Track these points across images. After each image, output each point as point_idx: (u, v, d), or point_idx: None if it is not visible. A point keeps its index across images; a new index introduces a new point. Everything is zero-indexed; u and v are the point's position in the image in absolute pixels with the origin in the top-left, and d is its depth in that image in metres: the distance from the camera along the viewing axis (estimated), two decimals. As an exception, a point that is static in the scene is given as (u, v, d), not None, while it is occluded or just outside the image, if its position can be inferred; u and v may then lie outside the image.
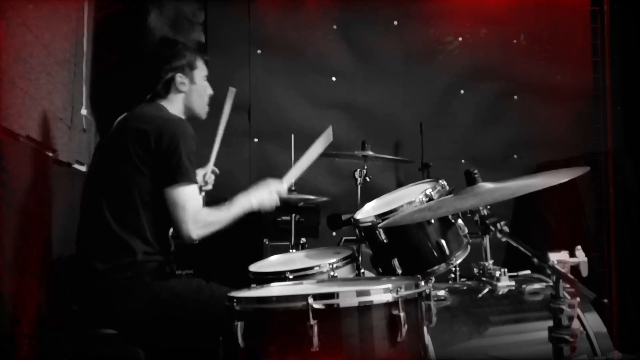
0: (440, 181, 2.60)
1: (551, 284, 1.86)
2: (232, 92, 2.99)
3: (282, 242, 3.85)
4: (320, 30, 4.82)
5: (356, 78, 4.87)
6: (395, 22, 4.97)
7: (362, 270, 2.90)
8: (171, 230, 2.60)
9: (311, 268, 2.70)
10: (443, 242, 2.44)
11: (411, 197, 2.51)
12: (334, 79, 4.83)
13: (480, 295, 2.55)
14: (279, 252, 3.28)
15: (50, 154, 2.82)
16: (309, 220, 4.06)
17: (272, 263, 3.04)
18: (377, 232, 2.52)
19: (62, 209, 2.95)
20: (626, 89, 5.17)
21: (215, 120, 4.39)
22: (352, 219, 2.75)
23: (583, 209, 4.82)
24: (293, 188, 3.56)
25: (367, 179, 3.61)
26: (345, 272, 2.75)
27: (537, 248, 1.90)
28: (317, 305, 1.72)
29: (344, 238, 3.83)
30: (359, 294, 1.77)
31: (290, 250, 3.43)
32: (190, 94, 2.72)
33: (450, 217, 2.47)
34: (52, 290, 2.72)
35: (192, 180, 2.45)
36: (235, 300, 1.85)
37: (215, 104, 4.29)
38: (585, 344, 2.31)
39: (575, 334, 1.78)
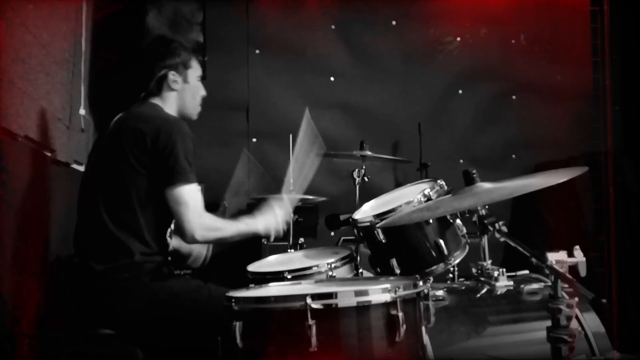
0: (439, 181, 2.60)
1: (549, 283, 1.85)
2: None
3: (280, 242, 3.85)
4: (319, 30, 4.83)
5: (355, 78, 4.87)
6: (394, 22, 4.98)
7: (360, 270, 2.90)
8: (169, 230, 2.60)
9: (309, 268, 2.70)
10: (441, 242, 2.44)
11: (409, 197, 2.51)
12: (332, 79, 4.84)
13: (478, 295, 2.55)
14: (278, 252, 3.28)
15: (49, 154, 2.82)
16: (307, 220, 4.06)
17: (270, 263, 3.04)
18: (376, 232, 2.52)
19: (60, 209, 2.95)
20: (626, 89, 5.17)
21: (216, 121, 4.42)
22: (350, 219, 2.75)
23: (582, 209, 4.82)
24: (291, 188, 3.56)
25: (366, 179, 3.61)
26: (343, 272, 2.75)
27: (535, 248, 1.90)
28: (316, 305, 1.72)
29: (342, 238, 3.83)
30: (357, 294, 1.77)
31: (289, 250, 3.43)
32: (183, 92, 2.71)
33: (448, 217, 2.47)
34: (51, 290, 2.72)
35: (190, 180, 2.44)
36: (233, 300, 1.85)
37: (216, 104, 4.31)
38: (583, 344, 2.30)
39: (573, 334, 1.77)
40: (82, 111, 3.41)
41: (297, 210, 3.73)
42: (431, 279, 2.52)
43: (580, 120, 5.13)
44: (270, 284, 2.32)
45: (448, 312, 2.36)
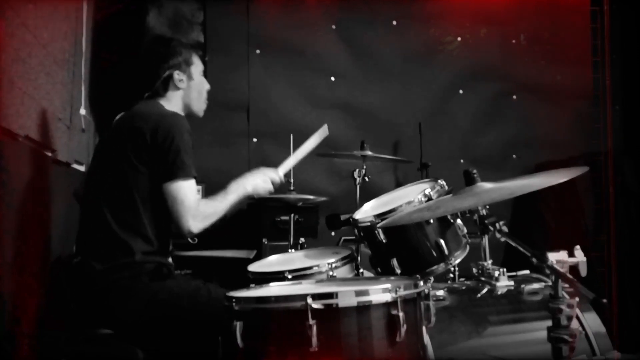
0: (439, 181, 2.60)
1: (550, 283, 1.85)
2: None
3: (280, 242, 3.85)
4: (319, 30, 4.83)
5: (355, 78, 4.87)
6: (395, 22, 4.98)
7: (361, 270, 2.90)
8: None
9: (310, 268, 2.70)
10: (442, 242, 2.44)
11: (410, 197, 2.50)
12: (333, 78, 4.84)
13: (479, 295, 2.55)
14: (278, 252, 3.28)
15: (49, 154, 2.82)
16: (307, 220, 4.06)
17: (271, 263, 3.04)
18: (376, 232, 2.51)
19: (61, 209, 2.95)
20: (626, 89, 5.17)
21: (216, 121, 4.42)
22: (351, 219, 2.75)
23: (582, 209, 4.82)
24: (292, 188, 3.56)
25: (366, 179, 3.61)
26: (344, 272, 2.75)
27: (536, 248, 1.90)
28: (316, 305, 1.72)
29: (342, 238, 3.83)
30: (358, 293, 1.77)
31: (289, 250, 3.43)
32: (189, 90, 2.72)
33: (449, 217, 2.47)
34: (51, 290, 2.72)
35: (189, 174, 2.45)
36: (234, 300, 1.85)
37: (217, 104, 4.30)
38: (584, 344, 2.30)
39: (574, 334, 1.77)
40: (82, 111, 3.41)
41: (297, 210, 3.73)
42: (432, 278, 2.52)
43: (580, 120, 5.13)
44: (271, 284, 2.32)
45: (449, 312, 2.36)
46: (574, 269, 1.98)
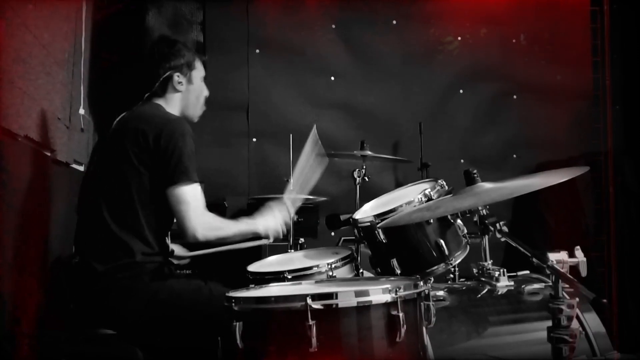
0: (439, 181, 2.60)
1: (550, 284, 1.85)
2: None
3: (280, 242, 3.85)
4: (319, 30, 4.83)
5: (355, 78, 4.87)
6: (395, 22, 4.98)
7: (360, 271, 2.89)
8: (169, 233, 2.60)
9: (310, 268, 2.70)
10: (442, 242, 2.43)
11: (410, 197, 2.50)
12: (332, 78, 4.84)
13: (479, 295, 2.55)
14: (278, 252, 3.27)
15: (49, 154, 2.82)
16: (307, 220, 4.05)
17: (270, 263, 3.04)
18: (376, 232, 2.51)
19: (60, 209, 2.95)
20: (626, 89, 5.17)
21: (216, 121, 4.42)
22: (350, 219, 2.75)
23: (582, 208, 4.82)
24: (291, 188, 3.56)
25: (366, 179, 3.61)
26: (344, 272, 2.74)
27: (536, 248, 1.90)
28: (316, 305, 1.72)
29: (342, 238, 3.83)
30: (358, 294, 1.76)
31: (289, 250, 3.42)
32: (187, 94, 2.72)
33: (449, 217, 2.46)
34: (51, 290, 2.72)
35: (192, 179, 2.44)
36: (233, 300, 1.85)
37: (216, 104, 4.29)
38: (584, 344, 2.30)
39: (574, 334, 1.77)
40: (82, 111, 3.40)
41: (297, 210, 3.73)
42: (432, 279, 2.51)
43: (580, 120, 5.13)
44: (271, 284, 2.32)
45: (449, 312, 2.35)
46: (574, 269, 1.98)
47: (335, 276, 2.66)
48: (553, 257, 1.88)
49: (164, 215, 2.47)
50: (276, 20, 4.69)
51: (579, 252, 2.04)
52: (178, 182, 2.42)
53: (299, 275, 2.67)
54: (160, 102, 2.67)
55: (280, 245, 3.74)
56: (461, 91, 5.09)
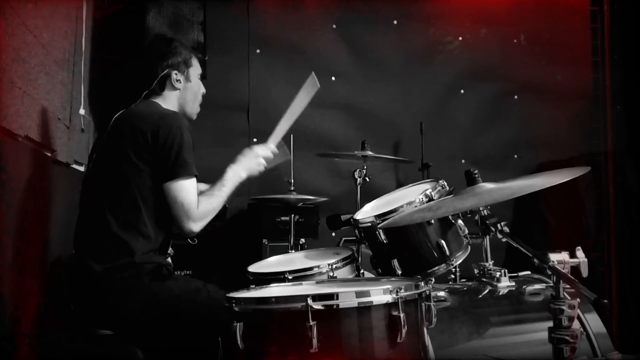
0: (440, 181, 2.59)
1: (551, 284, 1.85)
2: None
3: (281, 243, 3.85)
4: (319, 30, 4.83)
5: (356, 78, 4.87)
6: (395, 22, 4.98)
7: (361, 271, 2.89)
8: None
9: (310, 269, 2.70)
10: (443, 242, 2.43)
11: (411, 198, 2.50)
12: (333, 78, 4.84)
13: (480, 295, 2.54)
14: (278, 252, 3.27)
15: (49, 154, 2.81)
16: (308, 221, 4.05)
17: (271, 263, 3.03)
18: (377, 232, 2.51)
19: (60, 209, 2.95)
20: (626, 89, 5.18)
21: (216, 120, 4.42)
22: (351, 220, 2.74)
23: (584, 209, 4.82)
24: (292, 188, 3.56)
25: (367, 179, 3.61)
26: (344, 272, 2.74)
27: (537, 248, 1.90)
28: (317, 306, 1.72)
29: (343, 238, 3.83)
30: (359, 294, 1.76)
31: (290, 251, 3.42)
32: (185, 91, 2.72)
33: (450, 217, 2.46)
34: (51, 290, 2.71)
35: (191, 173, 2.45)
36: (234, 301, 1.85)
37: (217, 103, 4.29)
38: (585, 344, 2.30)
39: (575, 334, 1.77)
40: (82, 111, 3.40)
41: (298, 210, 3.73)
42: (433, 279, 2.51)
43: (580, 120, 5.14)
44: (271, 285, 2.32)
45: (450, 313, 2.35)
46: (575, 269, 1.98)
47: (336, 277, 2.66)
48: (554, 257, 1.88)
49: (166, 211, 2.46)
50: (277, 20, 4.69)
51: (580, 253, 2.03)
52: (178, 176, 2.42)
53: (300, 275, 2.67)
54: (157, 100, 2.67)
55: (280, 246, 3.75)
56: (462, 91, 5.09)
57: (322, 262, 2.72)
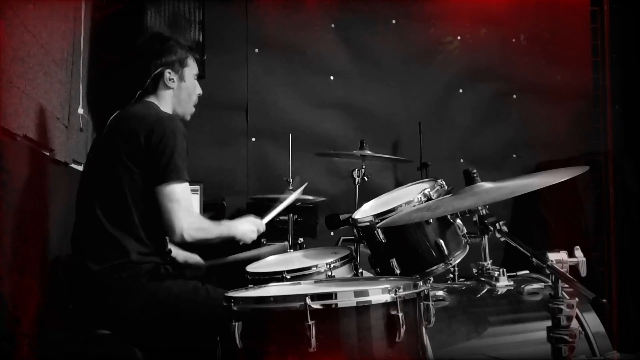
0: (439, 181, 2.59)
1: (550, 284, 1.85)
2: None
3: (279, 242, 3.84)
4: (318, 30, 4.83)
5: (355, 77, 4.87)
6: (394, 22, 4.98)
7: (360, 270, 2.89)
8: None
9: (309, 268, 2.69)
10: (441, 242, 2.43)
11: (410, 197, 2.50)
12: (332, 78, 4.84)
13: (478, 295, 2.54)
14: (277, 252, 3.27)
15: (48, 154, 2.81)
16: (306, 220, 4.05)
17: (269, 263, 3.03)
18: (376, 231, 2.51)
19: (59, 209, 2.94)
20: (626, 89, 5.18)
21: (215, 120, 4.42)
22: (350, 219, 2.74)
23: (582, 208, 4.82)
24: (290, 188, 3.56)
25: (366, 179, 3.61)
26: (343, 272, 2.74)
27: (536, 248, 1.90)
28: (315, 305, 1.72)
29: (342, 238, 3.83)
30: (357, 294, 1.76)
31: (288, 250, 3.42)
32: (179, 91, 2.69)
33: (448, 216, 2.46)
34: (51, 290, 2.71)
35: (183, 178, 2.42)
36: (232, 300, 1.85)
37: (216, 103, 4.29)
38: (584, 344, 2.30)
39: (574, 334, 1.77)
40: (80, 110, 3.40)
41: (296, 210, 3.73)
42: (431, 279, 2.51)
43: (580, 120, 5.14)
44: (270, 284, 2.32)
45: (448, 312, 2.35)
46: (573, 269, 1.98)
47: (334, 276, 2.66)
48: (553, 257, 1.88)
49: (158, 214, 2.45)
50: (276, 19, 4.69)
51: (578, 252, 2.03)
52: (168, 180, 2.39)
53: (298, 275, 2.66)
54: (152, 99, 2.65)
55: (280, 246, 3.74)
56: (461, 91, 5.10)
57: (321, 261, 2.72)
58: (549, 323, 1.80)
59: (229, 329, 1.80)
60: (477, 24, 5.16)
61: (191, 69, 2.73)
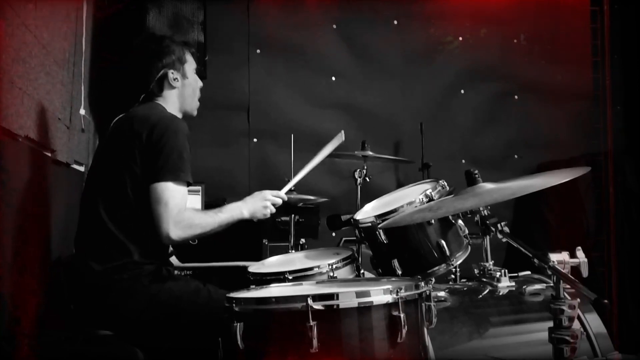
0: (441, 181, 2.59)
1: (552, 284, 1.85)
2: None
3: (281, 243, 3.84)
4: (320, 30, 4.83)
5: (356, 78, 4.87)
6: (395, 22, 4.98)
7: (361, 271, 2.89)
8: None
9: (310, 269, 2.69)
10: (443, 242, 2.43)
11: (411, 198, 2.50)
12: (333, 78, 4.84)
13: (480, 296, 2.54)
14: (278, 252, 3.27)
15: (49, 154, 2.81)
16: (308, 221, 4.05)
17: (271, 264, 3.03)
18: (377, 232, 2.50)
19: (60, 209, 2.94)
20: (626, 89, 5.18)
21: (216, 121, 4.42)
22: (351, 220, 2.74)
23: (584, 209, 4.82)
24: (292, 189, 3.55)
25: (367, 179, 3.61)
26: (344, 272, 2.73)
27: (537, 249, 1.90)
28: (317, 306, 1.72)
29: (343, 238, 3.82)
30: (359, 295, 1.76)
31: (290, 251, 3.42)
32: (184, 88, 2.70)
33: (450, 217, 2.46)
34: (51, 290, 2.71)
35: (179, 178, 2.40)
36: (234, 301, 1.85)
37: (217, 104, 4.29)
38: (585, 344, 2.30)
39: (575, 334, 1.77)
40: (82, 111, 3.40)
41: (298, 210, 3.73)
42: (433, 279, 2.51)
43: (580, 120, 5.14)
44: (271, 285, 2.32)
45: (450, 313, 2.35)
46: (575, 269, 1.98)
47: (336, 277, 2.66)
48: (554, 257, 1.88)
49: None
50: (277, 20, 4.69)
51: (580, 253, 2.03)
52: (163, 179, 2.37)
53: (300, 275, 2.66)
54: (158, 101, 2.66)
55: (281, 246, 3.75)
56: (462, 91, 5.10)
57: (322, 262, 2.71)
58: (550, 324, 1.80)
59: (230, 330, 1.80)
60: (477, 24, 5.16)
61: (190, 64, 2.73)
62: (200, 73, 2.82)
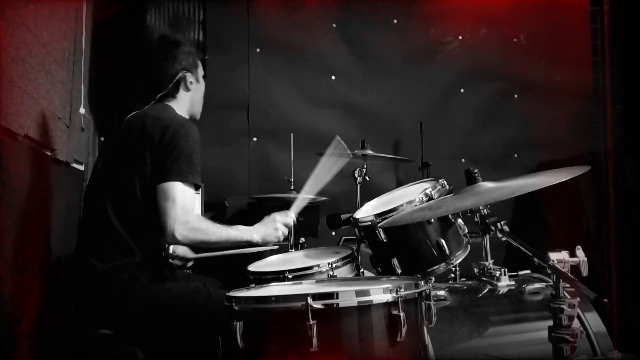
0: (440, 180, 2.59)
1: (551, 283, 1.85)
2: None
3: (281, 242, 3.84)
4: (319, 29, 4.83)
5: (356, 77, 4.87)
6: (395, 21, 4.98)
7: (361, 270, 2.89)
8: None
9: (310, 268, 2.69)
10: (443, 241, 2.43)
11: (411, 197, 2.50)
12: (333, 78, 4.84)
13: (480, 295, 2.54)
14: (278, 251, 3.27)
15: (49, 153, 2.81)
16: (308, 220, 4.05)
17: (271, 263, 3.03)
18: (377, 231, 2.50)
19: (61, 209, 2.94)
20: (626, 89, 5.18)
21: (216, 120, 4.42)
22: (351, 219, 2.74)
23: (583, 208, 4.82)
24: (292, 187, 3.56)
25: (367, 178, 3.61)
26: (344, 271, 2.74)
27: (537, 247, 1.90)
28: (317, 305, 1.72)
29: (343, 237, 3.83)
30: (359, 293, 1.76)
31: (290, 250, 3.42)
32: (195, 92, 2.76)
33: (450, 216, 2.46)
34: (51, 290, 2.71)
35: (188, 179, 2.41)
36: (234, 300, 1.85)
37: (217, 103, 4.28)
38: (585, 343, 2.30)
39: (575, 333, 1.77)
40: (82, 110, 3.40)
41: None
42: (433, 278, 2.51)
43: (580, 120, 5.14)
44: (271, 284, 2.32)
45: (450, 312, 2.35)
46: (575, 268, 1.98)
47: (335, 276, 2.66)
48: (554, 256, 1.88)
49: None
50: (277, 19, 4.69)
51: (580, 252, 2.03)
52: (168, 179, 2.38)
53: (300, 274, 2.66)
54: (171, 103, 2.69)
55: (280, 245, 3.74)
56: (462, 90, 5.09)
57: (322, 261, 2.71)
58: (550, 323, 1.80)
59: (230, 329, 1.80)
60: (477, 24, 5.16)
61: (200, 69, 2.80)
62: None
